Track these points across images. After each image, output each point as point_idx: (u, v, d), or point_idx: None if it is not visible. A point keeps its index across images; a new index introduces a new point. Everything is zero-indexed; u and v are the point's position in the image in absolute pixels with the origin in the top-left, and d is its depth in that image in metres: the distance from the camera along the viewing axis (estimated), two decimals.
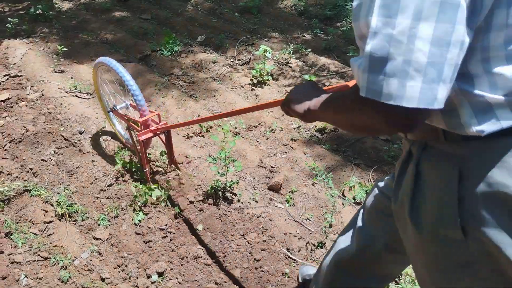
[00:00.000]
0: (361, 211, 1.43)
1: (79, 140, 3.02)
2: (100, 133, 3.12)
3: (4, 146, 2.93)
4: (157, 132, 2.41)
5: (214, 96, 3.68)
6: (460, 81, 0.80)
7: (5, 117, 3.25)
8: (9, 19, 4.76)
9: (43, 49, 4.44)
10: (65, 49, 4.24)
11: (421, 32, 0.69)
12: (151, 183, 2.53)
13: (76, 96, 3.58)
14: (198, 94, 3.72)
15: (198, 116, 3.40)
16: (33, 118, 3.23)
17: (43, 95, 3.56)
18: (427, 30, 0.69)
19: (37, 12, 5.08)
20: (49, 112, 3.32)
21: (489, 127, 0.81)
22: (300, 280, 2.07)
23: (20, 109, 3.35)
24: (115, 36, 4.80)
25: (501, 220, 0.81)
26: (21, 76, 3.88)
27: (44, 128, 3.08)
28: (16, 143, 2.95)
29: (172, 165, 2.72)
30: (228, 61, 4.32)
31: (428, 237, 0.93)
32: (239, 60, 4.37)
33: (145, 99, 3.01)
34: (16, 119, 3.22)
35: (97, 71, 2.74)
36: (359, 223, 1.41)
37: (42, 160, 2.81)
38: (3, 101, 3.41)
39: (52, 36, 4.74)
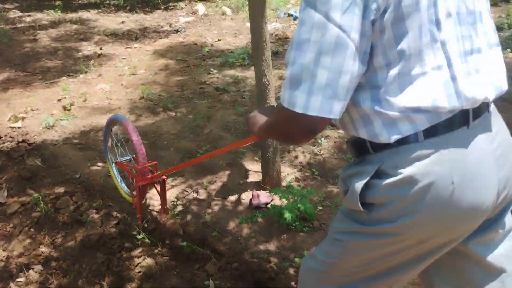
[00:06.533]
0: None
1: None
2: None
3: None
4: (153, 180, 2.58)
5: None
6: (373, 103, 1.06)
7: None
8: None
9: None
10: None
11: (322, 62, 0.97)
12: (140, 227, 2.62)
13: None
14: None
15: None
16: None
17: None
18: (326, 62, 0.96)
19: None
20: None
21: (394, 136, 1.06)
22: None
23: None
24: None
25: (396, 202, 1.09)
26: None
27: None
28: None
29: (163, 215, 2.74)
30: None
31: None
32: None
33: None
34: None
35: (110, 126, 2.97)
36: None
37: None
38: None
39: None
